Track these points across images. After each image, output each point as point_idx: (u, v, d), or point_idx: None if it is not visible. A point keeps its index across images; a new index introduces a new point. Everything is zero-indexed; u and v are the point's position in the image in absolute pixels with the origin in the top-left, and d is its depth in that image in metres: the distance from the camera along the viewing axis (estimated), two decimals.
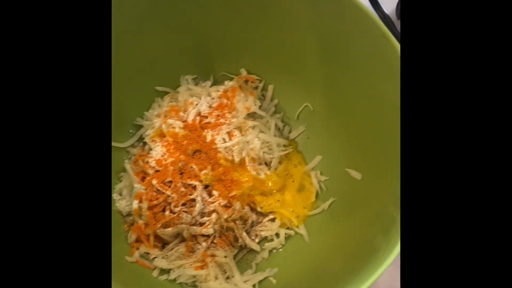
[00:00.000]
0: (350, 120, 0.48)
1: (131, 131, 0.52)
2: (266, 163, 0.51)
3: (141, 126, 0.52)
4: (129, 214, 0.49)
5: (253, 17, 0.48)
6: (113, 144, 0.50)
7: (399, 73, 0.35)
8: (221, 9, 0.48)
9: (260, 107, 0.52)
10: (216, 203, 0.46)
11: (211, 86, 0.53)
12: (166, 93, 0.53)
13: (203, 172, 0.46)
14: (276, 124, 0.53)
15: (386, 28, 0.37)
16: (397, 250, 0.31)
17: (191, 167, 0.46)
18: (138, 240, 0.47)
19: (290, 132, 0.54)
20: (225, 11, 0.48)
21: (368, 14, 0.38)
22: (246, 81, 0.53)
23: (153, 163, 0.47)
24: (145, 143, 0.51)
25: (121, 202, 0.49)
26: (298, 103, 0.53)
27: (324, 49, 0.46)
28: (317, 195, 0.50)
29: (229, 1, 0.47)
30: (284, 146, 0.52)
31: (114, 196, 0.49)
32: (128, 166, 0.48)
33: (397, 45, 0.36)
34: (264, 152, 0.51)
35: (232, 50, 0.52)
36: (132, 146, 0.52)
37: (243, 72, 0.53)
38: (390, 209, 0.38)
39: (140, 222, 0.47)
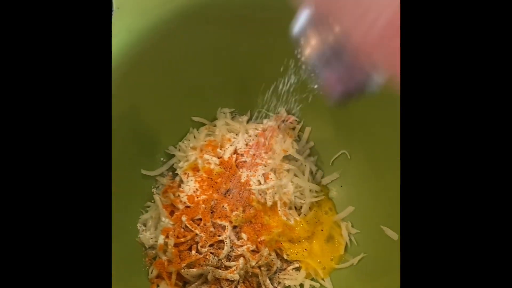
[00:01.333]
0: (389, 173, 0.47)
1: (162, 159, 0.51)
2: (296, 208, 0.50)
3: (172, 155, 0.50)
4: (152, 247, 0.47)
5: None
6: (142, 171, 0.49)
7: None
8: (259, 51, 0.47)
9: (296, 150, 0.51)
10: (244, 247, 0.44)
11: (247, 122, 0.52)
12: (201, 123, 0.52)
13: (234, 213, 0.45)
14: (309, 168, 0.51)
15: None
16: None
17: (223, 206, 0.45)
18: (159, 276, 0.45)
19: (322, 177, 0.52)
20: (263, 52, 0.47)
21: None
22: (284, 121, 0.52)
23: (184, 198, 0.45)
24: (175, 174, 0.49)
25: (145, 233, 0.47)
26: (334, 149, 0.52)
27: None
28: (346, 248, 0.49)
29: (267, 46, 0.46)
30: (316, 192, 0.51)
31: (138, 226, 0.47)
32: (157, 197, 0.47)
33: None
34: (296, 196, 0.49)
35: (271, 86, 0.51)
36: (161, 175, 0.50)
37: (282, 111, 0.52)
38: None
39: (164, 258, 0.45)
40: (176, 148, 0.51)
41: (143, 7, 0.42)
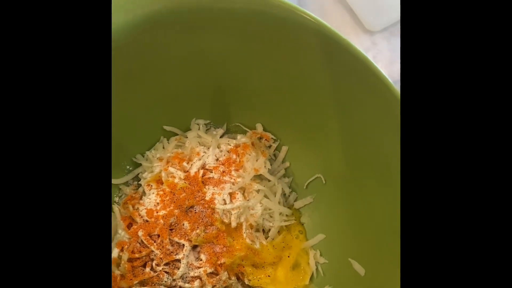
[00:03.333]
0: (362, 206, 0.44)
1: (128, 167, 0.48)
2: (263, 230, 0.47)
3: (139, 164, 0.48)
4: None
5: (275, 73, 0.44)
6: None
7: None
8: (241, 59, 0.44)
9: (269, 169, 0.48)
10: (201, 269, 0.42)
11: (222, 136, 0.50)
12: (173, 133, 0.49)
13: (194, 232, 0.42)
14: (282, 190, 0.49)
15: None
16: None
17: (183, 224, 0.42)
18: None
19: (295, 200, 0.50)
20: (246, 61, 0.44)
21: (384, 79, 0.35)
22: (260, 138, 0.49)
23: (143, 212, 0.43)
24: (140, 184, 0.47)
25: None
26: (310, 171, 0.49)
27: (343, 119, 0.43)
28: (311, 278, 0.46)
29: (250, 54, 0.43)
30: (287, 215, 0.48)
31: None
32: (116, 208, 0.44)
33: None
34: (264, 218, 0.47)
35: (250, 101, 0.48)
36: (125, 184, 0.48)
37: (259, 127, 0.50)
38: None
39: (117, 272, 0.42)
40: (143, 157, 0.48)
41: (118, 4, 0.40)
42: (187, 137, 0.48)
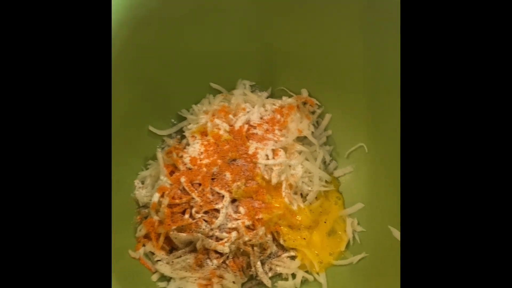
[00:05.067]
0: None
1: (173, 120, 0.49)
2: (301, 194, 0.47)
3: (184, 118, 0.49)
4: (145, 206, 0.45)
5: (320, 37, 0.45)
6: (150, 128, 0.47)
7: None
8: (289, 20, 0.45)
9: (312, 133, 0.48)
10: (239, 221, 0.42)
11: (267, 98, 0.50)
12: (219, 91, 0.50)
13: (235, 184, 0.42)
14: (323, 157, 0.48)
15: None
16: None
17: (225, 175, 0.43)
18: (146, 236, 0.43)
19: (335, 168, 0.49)
20: (293, 22, 0.45)
21: None
22: (304, 103, 0.49)
23: (187, 159, 0.43)
24: (183, 137, 0.47)
25: (140, 190, 0.45)
26: (352, 141, 0.49)
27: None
28: (347, 245, 0.45)
29: (297, 15, 0.44)
30: (326, 182, 0.48)
31: (136, 182, 0.46)
32: (159, 154, 0.45)
33: None
34: (303, 182, 0.46)
35: (297, 66, 0.49)
36: (169, 136, 0.48)
37: (304, 92, 0.50)
38: None
39: (155, 218, 0.43)
40: (189, 111, 0.49)
41: None
42: (232, 95, 0.49)
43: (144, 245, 0.43)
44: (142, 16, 0.41)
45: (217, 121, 0.45)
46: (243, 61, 0.49)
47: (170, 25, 0.44)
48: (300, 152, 0.46)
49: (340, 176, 0.49)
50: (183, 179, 0.42)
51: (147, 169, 0.47)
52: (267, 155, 0.44)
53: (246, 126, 0.45)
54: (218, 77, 0.49)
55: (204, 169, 0.42)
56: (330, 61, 0.46)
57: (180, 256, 0.42)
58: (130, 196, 0.45)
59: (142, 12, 0.41)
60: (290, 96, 0.49)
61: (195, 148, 0.43)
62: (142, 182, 0.46)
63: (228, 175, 0.42)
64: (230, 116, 0.45)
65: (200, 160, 0.43)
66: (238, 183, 0.42)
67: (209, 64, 0.48)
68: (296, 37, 0.46)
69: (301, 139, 0.48)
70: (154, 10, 0.42)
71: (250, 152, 0.44)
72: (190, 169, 0.43)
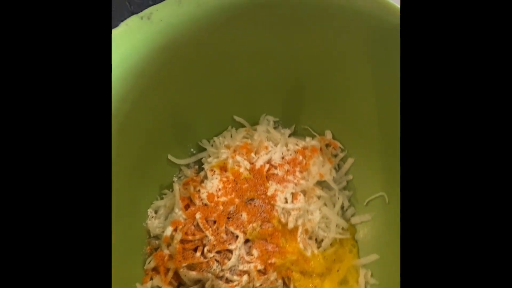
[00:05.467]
0: None
1: (192, 150, 0.48)
2: (316, 239, 0.46)
3: (203, 149, 0.48)
4: (156, 237, 0.44)
5: (353, 78, 0.44)
6: (169, 157, 0.47)
7: None
8: (318, 58, 0.44)
9: (333, 178, 0.47)
10: (252, 265, 0.41)
11: (289, 136, 0.49)
12: (241, 125, 0.49)
13: (251, 225, 0.41)
14: (342, 202, 0.47)
15: None
16: None
17: (241, 215, 0.41)
18: (155, 269, 0.42)
19: (353, 215, 0.48)
20: (322, 60, 0.44)
21: None
22: (327, 145, 0.48)
23: (204, 195, 0.42)
24: (201, 168, 0.46)
25: (153, 220, 0.44)
26: (373, 189, 0.47)
27: None
28: None
29: (327, 54, 0.43)
30: (342, 228, 0.46)
31: (149, 212, 0.45)
32: (176, 186, 0.44)
33: None
34: (319, 227, 0.45)
35: (323, 105, 0.48)
36: (187, 166, 0.48)
37: (328, 134, 0.49)
38: None
39: (166, 252, 0.42)
40: (209, 142, 0.48)
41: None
42: (255, 130, 0.48)
43: (152, 279, 0.42)
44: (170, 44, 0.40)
45: (238, 158, 0.44)
46: (268, 96, 0.48)
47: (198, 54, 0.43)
48: (319, 197, 0.45)
49: (357, 223, 0.48)
50: (198, 215, 0.41)
51: (161, 198, 0.46)
52: (286, 198, 0.43)
53: (267, 166, 0.44)
54: (242, 109, 0.49)
55: (221, 207, 0.41)
56: (358, 105, 0.45)
57: None
58: (141, 225, 0.44)
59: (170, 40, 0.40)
60: (313, 137, 0.48)
61: (213, 184, 0.42)
62: (156, 212, 0.45)
63: (244, 215, 0.41)
64: (252, 154, 0.44)
65: (218, 197, 0.42)
66: (254, 224, 0.41)
67: (233, 96, 0.47)
68: (325, 76, 0.45)
69: (321, 182, 0.46)
70: (184, 36, 0.41)
71: (269, 193, 0.43)
72: (206, 205, 0.42)
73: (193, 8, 0.36)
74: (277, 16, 0.41)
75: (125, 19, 0.33)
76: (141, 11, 0.35)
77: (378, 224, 0.47)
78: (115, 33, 0.33)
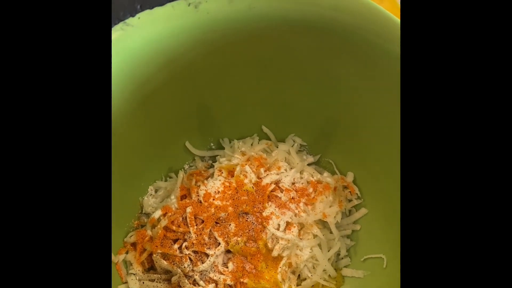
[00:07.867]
0: None
1: (212, 145, 0.48)
2: (300, 276, 0.44)
3: (223, 147, 0.47)
4: (146, 214, 0.44)
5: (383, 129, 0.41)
6: (186, 144, 0.47)
7: None
8: (360, 103, 0.42)
9: (336, 222, 0.44)
10: (222, 277, 0.40)
11: (310, 164, 0.47)
12: (267, 137, 0.48)
13: (235, 238, 0.40)
14: (339, 249, 0.44)
15: None
16: None
17: (230, 224, 0.41)
18: (133, 245, 0.43)
19: (346, 266, 0.45)
20: (366, 107, 0.41)
21: None
22: (345, 187, 0.46)
23: (202, 192, 0.41)
24: (213, 165, 0.46)
25: (150, 198, 0.45)
26: (376, 248, 0.44)
27: None
28: None
29: (373, 86, 0.40)
30: (329, 276, 0.44)
31: (149, 189, 0.45)
32: (181, 174, 0.44)
33: None
34: (306, 265, 0.43)
35: (355, 147, 0.45)
36: (201, 158, 0.47)
37: (350, 176, 0.46)
38: None
39: (148, 232, 0.42)
40: (230, 143, 0.47)
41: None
42: (277, 147, 0.46)
43: (127, 252, 0.42)
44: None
45: (247, 168, 0.43)
46: (303, 118, 0.46)
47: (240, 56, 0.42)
48: (315, 236, 0.43)
49: (347, 275, 0.45)
50: (188, 210, 0.41)
51: (166, 181, 0.46)
52: (279, 225, 0.41)
53: (272, 186, 0.42)
54: (273, 122, 0.47)
55: (213, 210, 0.40)
56: (388, 159, 0.42)
57: (154, 280, 0.41)
58: (137, 201, 0.45)
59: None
60: (333, 173, 0.46)
61: (215, 185, 0.42)
62: (156, 191, 0.45)
63: (232, 226, 0.40)
64: (262, 170, 0.43)
65: (213, 199, 0.41)
66: (239, 238, 0.40)
67: (267, 106, 0.46)
68: (363, 117, 0.43)
69: (324, 223, 0.44)
70: (228, 35, 0.40)
71: (264, 213, 0.41)
72: (200, 202, 0.41)
73: (243, 9, 0.35)
74: (335, 42, 0.39)
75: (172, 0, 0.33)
76: None
77: (370, 283, 0.44)
78: (159, 10, 0.33)
